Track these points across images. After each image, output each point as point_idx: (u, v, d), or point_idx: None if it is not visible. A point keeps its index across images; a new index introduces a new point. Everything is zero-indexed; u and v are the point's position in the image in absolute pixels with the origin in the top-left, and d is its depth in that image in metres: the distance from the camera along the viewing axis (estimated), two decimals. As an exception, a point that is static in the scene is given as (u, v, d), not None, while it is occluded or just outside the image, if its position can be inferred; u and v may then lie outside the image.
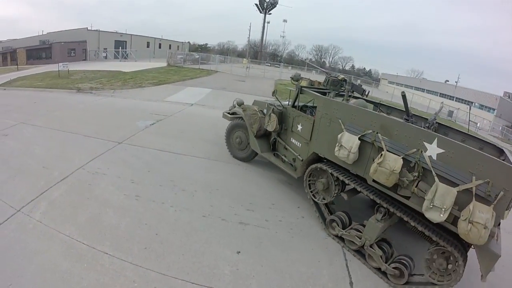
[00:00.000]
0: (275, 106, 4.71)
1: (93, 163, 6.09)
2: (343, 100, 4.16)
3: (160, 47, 60.03)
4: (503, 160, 2.75)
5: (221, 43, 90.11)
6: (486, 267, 2.46)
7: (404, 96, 3.59)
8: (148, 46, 56.25)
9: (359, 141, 3.16)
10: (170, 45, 63.40)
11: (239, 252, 3.78)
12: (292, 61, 72.80)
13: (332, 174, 3.76)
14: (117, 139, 7.47)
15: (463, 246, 2.73)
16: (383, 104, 4.61)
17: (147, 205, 4.69)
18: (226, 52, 73.03)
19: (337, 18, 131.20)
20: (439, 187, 2.50)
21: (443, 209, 2.44)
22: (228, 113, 6.11)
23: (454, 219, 2.55)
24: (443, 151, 2.59)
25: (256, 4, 58.23)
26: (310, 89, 4.35)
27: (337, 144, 3.37)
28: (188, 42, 75.93)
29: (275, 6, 57.76)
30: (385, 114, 3.72)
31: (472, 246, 2.65)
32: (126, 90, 14.50)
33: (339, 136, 3.39)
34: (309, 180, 4.20)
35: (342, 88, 4.51)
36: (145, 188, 5.20)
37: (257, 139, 5.15)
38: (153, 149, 7.04)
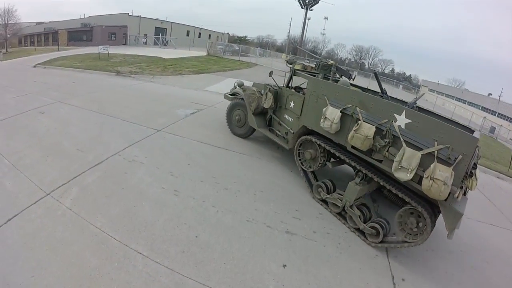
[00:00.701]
0: (271, 86, 5.58)
1: (130, 150, 6.12)
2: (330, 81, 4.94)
3: (199, 36, 63.01)
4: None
5: (261, 37, 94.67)
6: (451, 224, 3.03)
7: (376, 75, 4.94)
8: (187, 35, 59.26)
9: (341, 114, 3.89)
10: (209, 35, 66.67)
11: (285, 265, 3.61)
12: (331, 59, 76.53)
13: (319, 145, 4.57)
14: (156, 127, 7.51)
15: (431, 207, 3.34)
16: (370, 90, 5.41)
17: (187, 202, 4.55)
18: (265, 45, 79.70)
19: (379, 18, 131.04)
20: (406, 151, 3.14)
21: (409, 170, 3.08)
22: (230, 94, 7.12)
23: (419, 179, 3.13)
24: (410, 121, 3.25)
25: None
26: (302, 72, 5.22)
27: (322, 117, 4.11)
28: (228, 33, 79.35)
29: (317, 2, 58.80)
30: (362, 92, 4.22)
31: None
32: (165, 76, 15.03)
33: (324, 109, 4.13)
34: (298, 150, 5.08)
35: (335, 72, 5.29)
36: (184, 182, 5.10)
37: (255, 116, 6.07)
38: (193, 140, 6.98)
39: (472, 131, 3.76)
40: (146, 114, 8.42)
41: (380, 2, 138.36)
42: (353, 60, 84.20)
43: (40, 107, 9.21)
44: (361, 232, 4.05)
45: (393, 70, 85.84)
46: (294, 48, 75.88)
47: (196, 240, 3.75)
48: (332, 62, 5.35)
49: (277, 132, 5.79)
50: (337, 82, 4.90)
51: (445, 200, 3.01)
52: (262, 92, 5.82)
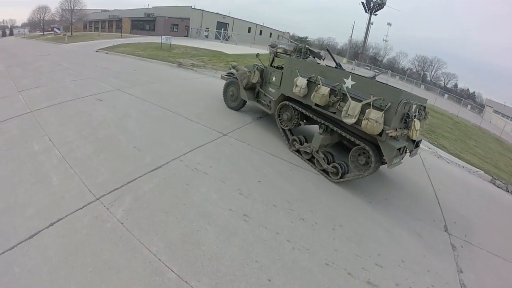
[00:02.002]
0: (258, 65, 7.51)
1: (193, 155, 5.97)
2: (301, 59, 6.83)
3: (260, 34, 67.98)
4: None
5: (321, 38, 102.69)
6: (388, 156, 4.62)
7: (329, 51, 7.27)
8: (249, 32, 64.19)
9: (307, 81, 5.65)
10: (270, 33, 71.72)
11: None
12: (392, 68, 78.08)
13: (293, 107, 6.39)
14: (222, 129, 7.38)
15: (375, 147, 4.91)
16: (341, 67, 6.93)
17: (258, 232, 4.20)
18: (325, 48, 77.31)
19: (446, 28, 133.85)
20: (351, 103, 4.82)
21: (353, 116, 4.72)
22: (226, 74, 9.05)
23: (361, 122, 4.70)
24: (354, 82, 4.94)
25: (363, 3, 62.56)
26: (282, 54, 7.17)
27: (294, 85, 5.87)
28: (288, 33, 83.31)
29: (382, 7, 61.73)
30: (322, 65, 6.00)
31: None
32: None
33: (295, 79, 5.88)
34: (279, 113, 6.86)
35: (307, 54, 7.16)
36: (255, 205, 4.76)
37: (246, 90, 7.85)
38: (263, 151, 6.64)
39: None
40: (209, 113, 8.40)
41: (448, 12, 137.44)
42: (414, 70, 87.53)
43: (98, 94, 9.54)
44: (325, 172, 5.80)
45: (456, 85, 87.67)
46: (355, 52, 79.01)
47: (269, 286, 3.37)
48: (306, 46, 7.34)
49: (263, 102, 7.65)
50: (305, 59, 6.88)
51: (380, 136, 4.54)
52: (251, 71, 7.72)
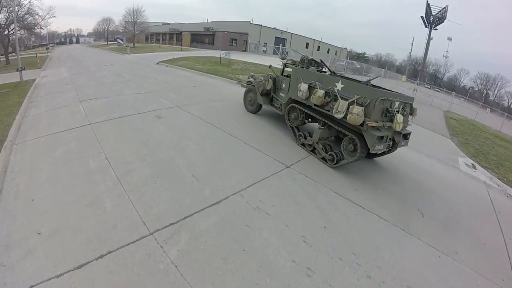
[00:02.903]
0: (271, 75, 9.33)
1: (255, 189, 5.84)
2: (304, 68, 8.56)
3: (318, 50, 70.62)
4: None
5: (379, 54, 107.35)
6: (370, 141, 6.03)
7: (322, 61, 9.26)
8: (306, 47, 67.13)
9: (308, 86, 7.26)
10: (328, 49, 74.38)
11: None
12: (452, 87, 79.54)
13: (298, 108, 8.04)
14: (285, 160, 7.25)
15: (362, 136, 6.31)
16: (336, 73, 8.97)
17: None
18: (384, 64, 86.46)
19: (510, 44, 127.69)
20: (340, 102, 6.26)
21: (342, 112, 6.16)
22: (245, 83, 10.91)
23: (347, 117, 6.16)
24: (344, 85, 6.49)
25: (422, 17, 63.95)
26: (290, 64, 9.06)
27: (298, 90, 7.51)
28: (346, 48, 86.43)
29: (442, 22, 62.24)
30: (319, 73, 7.93)
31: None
32: None
33: (299, 85, 7.56)
34: (288, 114, 8.54)
35: (311, 64, 8.98)
36: (320, 256, 4.48)
37: (262, 96, 9.57)
38: (329, 189, 6.35)
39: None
40: (272, 140, 8.41)
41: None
42: (476, 89, 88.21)
43: (158, 110, 9.84)
44: (324, 159, 7.28)
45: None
46: (415, 70, 79.92)
47: None
48: (311, 57, 9.12)
49: (275, 105, 9.23)
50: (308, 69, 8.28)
51: (362, 126, 6.05)
52: (266, 79, 9.31)
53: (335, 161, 7.09)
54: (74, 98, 12.05)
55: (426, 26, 63.98)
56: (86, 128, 8.32)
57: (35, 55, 33.47)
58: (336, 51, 75.59)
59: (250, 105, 10.66)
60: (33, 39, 63.26)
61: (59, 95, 12.86)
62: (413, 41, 71.61)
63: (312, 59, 9.12)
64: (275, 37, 59.58)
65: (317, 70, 8.53)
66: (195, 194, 5.41)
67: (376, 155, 7.91)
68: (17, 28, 34.05)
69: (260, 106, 10.20)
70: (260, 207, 5.36)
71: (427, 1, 63.28)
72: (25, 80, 17.17)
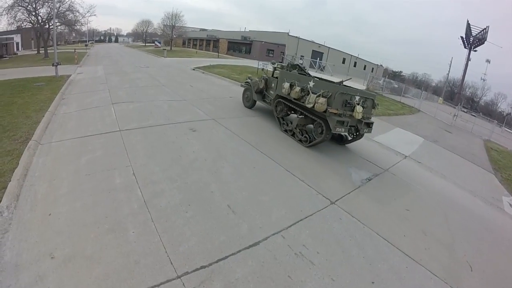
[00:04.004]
0: (264, 76, 11.47)
1: (297, 230, 5.27)
2: (287, 71, 10.78)
3: (355, 66, 71.62)
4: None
5: (415, 73, 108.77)
6: (332, 125, 7.87)
7: (299, 66, 11.62)
8: (343, 62, 67.66)
9: (289, 84, 9.10)
10: (365, 65, 75.67)
11: None
12: (489, 111, 77.74)
13: (283, 103, 9.93)
14: (329, 194, 6.69)
15: (326, 122, 8.13)
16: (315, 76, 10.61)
17: None
18: (420, 84, 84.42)
19: None
20: (311, 96, 8.25)
21: (312, 103, 8.12)
22: (244, 83, 13.15)
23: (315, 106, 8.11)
24: (314, 83, 8.63)
25: (462, 37, 63.72)
26: (278, 68, 11.10)
27: (283, 88, 9.34)
28: (381, 65, 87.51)
29: (482, 43, 61.94)
30: (298, 74, 10.06)
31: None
32: None
33: (283, 84, 9.39)
34: (275, 107, 10.39)
35: (295, 68, 11.21)
36: None
37: (256, 94, 11.70)
38: (376, 233, 5.80)
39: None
40: (313, 166, 7.97)
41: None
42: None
43: (192, 122, 9.49)
44: (300, 141, 9.23)
45: (559, 133, 75.53)
46: (451, 92, 78.96)
47: None
48: (295, 62, 12.45)
49: (267, 101, 11.32)
50: (290, 71, 10.63)
51: (325, 112, 7.88)
52: (260, 80, 11.41)
53: (308, 141, 9.07)
54: (106, 99, 11.91)
55: (465, 47, 64.20)
56: (115, 134, 7.99)
57: (74, 50, 34.48)
58: (373, 68, 76.07)
59: (247, 101, 12.89)
60: (73, 35, 65.98)
61: (92, 95, 12.79)
62: (451, 62, 69.80)
63: (296, 64, 11.64)
64: (312, 50, 60.21)
65: (299, 73, 10.63)
66: (230, 230, 4.82)
67: (346, 141, 10.34)
68: (58, 24, 35.60)
69: (255, 102, 12.52)
70: (303, 253, 4.72)
71: (467, 21, 62.49)
72: (60, 75, 17.38)
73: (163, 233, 4.48)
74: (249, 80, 12.70)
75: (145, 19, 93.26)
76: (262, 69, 14.72)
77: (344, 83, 9.96)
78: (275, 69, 11.31)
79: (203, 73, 22.82)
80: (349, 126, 8.41)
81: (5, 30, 41.31)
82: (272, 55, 54.26)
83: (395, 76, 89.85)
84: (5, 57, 40.65)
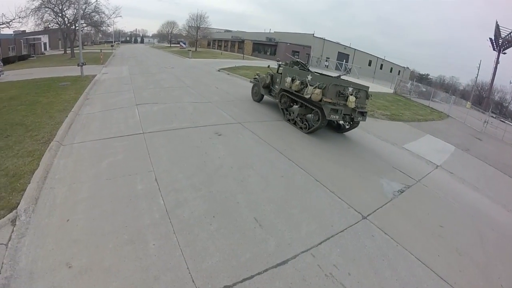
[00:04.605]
0: (270, 73, 12.88)
1: (328, 248, 4.95)
2: (289, 67, 12.07)
3: (381, 68, 70.32)
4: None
5: (442, 76, 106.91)
6: (326, 112, 9.03)
7: (298, 61, 13.02)
8: (369, 65, 66.59)
9: (291, 79, 10.55)
10: (391, 68, 74.11)
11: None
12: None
13: (286, 95, 11.30)
14: (360, 207, 6.36)
15: (322, 111, 9.36)
16: (312, 71, 11.71)
17: None
18: (447, 88, 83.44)
19: None
20: (309, 88, 9.58)
21: (309, 94, 9.50)
22: (253, 79, 14.58)
23: (312, 96, 9.55)
24: (312, 77, 9.96)
25: (491, 39, 62.39)
26: (282, 65, 12.33)
27: (285, 82, 10.80)
28: (408, 68, 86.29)
29: (511, 45, 60.57)
30: (299, 70, 11.47)
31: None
32: None
33: (285, 78, 10.90)
34: (280, 99, 11.67)
35: (298, 65, 12.42)
36: None
37: (263, 88, 13.16)
38: (411, 254, 5.35)
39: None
40: (343, 175, 7.66)
41: None
42: None
43: (217, 126, 9.32)
44: (301, 128, 10.36)
45: None
46: (479, 96, 76.91)
47: None
48: (297, 60, 13.07)
49: (272, 95, 12.72)
50: (292, 67, 11.92)
51: (321, 102, 9.13)
52: (266, 76, 12.89)
53: (307, 128, 10.20)
54: (130, 100, 11.90)
55: (494, 49, 62.65)
56: (138, 137, 7.87)
57: (100, 50, 35.19)
58: (399, 71, 74.00)
59: (255, 95, 14.25)
60: (100, 35, 67.71)
61: (116, 95, 12.83)
62: (479, 64, 67.16)
63: (297, 61, 12.87)
64: (338, 52, 59.44)
65: (300, 68, 11.89)
66: (257, 246, 4.53)
67: (344, 130, 11.35)
68: (84, 25, 36.56)
69: (262, 96, 13.86)
70: (334, 274, 4.38)
71: (496, 22, 60.88)
72: (86, 75, 17.63)
73: (185, 247, 4.24)
74: (257, 77, 14.15)
75: (170, 20, 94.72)
76: (268, 66, 15.06)
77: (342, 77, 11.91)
78: (279, 66, 12.58)
79: (228, 74, 22.74)
80: (344, 114, 9.39)
81: (33, 31, 42.75)
82: (297, 57, 54.21)
83: (422, 79, 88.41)
84: (33, 56, 42.14)
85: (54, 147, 6.83)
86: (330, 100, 8.98)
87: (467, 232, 6.87)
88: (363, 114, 9.89)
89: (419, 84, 41.88)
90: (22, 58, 38.29)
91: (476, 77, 71.54)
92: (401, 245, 5.48)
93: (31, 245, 4.02)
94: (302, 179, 6.96)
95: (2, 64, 21.37)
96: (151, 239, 4.31)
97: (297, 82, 10.17)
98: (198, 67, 28.19)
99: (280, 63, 12.86)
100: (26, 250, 3.93)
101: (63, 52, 44.25)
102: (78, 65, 17.79)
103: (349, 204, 6.34)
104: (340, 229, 5.47)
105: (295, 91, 10.30)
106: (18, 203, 4.75)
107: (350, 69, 48.21)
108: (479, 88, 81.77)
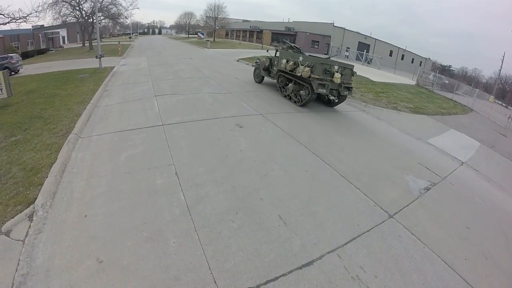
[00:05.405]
0: (268, 56, 14.92)
1: (354, 248, 4.76)
2: (286, 50, 13.91)
3: (402, 59, 68.97)
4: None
5: (465, 68, 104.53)
6: (314, 86, 10.80)
7: (289, 44, 14.94)
8: (390, 55, 65.56)
9: (286, 61, 12.44)
10: (413, 58, 72.96)
11: None
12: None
13: (282, 75, 13.37)
14: (387, 205, 6.14)
15: (311, 86, 11.10)
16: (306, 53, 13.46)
17: None
18: (470, 80, 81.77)
19: None
20: (300, 67, 11.36)
21: (300, 72, 11.19)
22: (255, 63, 16.86)
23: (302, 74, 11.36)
24: (302, 58, 11.54)
25: None
26: (279, 49, 14.18)
27: (281, 63, 12.78)
28: (429, 59, 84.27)
29: None
30: (293, 53, 13.04)
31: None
32: (379, 108, 15.19)
33: (281, 60, 12.91)
34: (278, 79, 13.73)
35: (293, 48, 14.03)
36: None
37: (263, 71, 15.03)
38: (438, 257, 5.08)
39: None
40: (369, 171, 7.41)
41: None
42: None
43: (238, 117, 9.17)
44: (295, 102, 12.26)
45: None
46: (503, 89, 75.70)
47: None
48: (291, 44, 14.39)
49: (271, 76, 14.36)
50: (287, 51, 13.53)
51: (310, 78, 10.81)
52: (266, 59, 14.72)
53: (300, 101, 11.82)
54: (149, 91, 11.86)
55: None
56: (157, 129, 7.77)
57: (118, 42, 35.52)
58: (421, 62, 72.89)
59: (257, 77, 16.07)
60: (118, 28, 68.49)
61: (135, 86, 12.82)
62: (503, 57, 64.43)
63: (292, 45, 14.25)
64: (359, 42, 58.66)
65: (293, 51, 13.24)
66: (281, 245, 4.34)
67: (333, 104, 12.95)
68: (102, 17, 36.92)
69: (263, 78, 15.64)
70: (360, 277, 4.17)
71: None
72: (104, 67, 17.75)
73: (206, 245, 4.08)
74: (258, 61, 16.29)
75: (187, 11, 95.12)
76: (267, 50, 17.73)
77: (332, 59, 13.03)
78: (277, 50, 14.18)
79: (248, 64, 22.55)
80: (331, 89, 11.01)
81: (51, 25, 43.53)
82: (317, 47, 53.54)
83: (444, 70, 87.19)
84: (51, 50, 42.95)
85: (72, 140, 6.80)
86: (317, 77, 10.63)
87: (493, 234, 6.63)
88: (349, 89, 11.48)
89: (442, 76, 40.74)
90: (41, 52, 39.17)
91: (500, 70, 68.86)
92: (428, 246, 5.25)
93: (48, 242, 3.97)
94: (327, 174, 6.72)
95: (20, 58, 21.75)
96: (171, 236, 4.18)
97: (291, 62, 11.77)
98: (217, 57, 28.06)
99: (278, 48, 14.54)
100: (43, 247, 3.88)
101: (81, 45, 44.96)
102: (96, 57, 17.93)
103: (375, 202, 6.09)
104: (367, 229, 5.25)
105: (289, 70, 11.86)
106: (36, 198, 4.72)
107: (371, 60, 47.43)
108: (502, 81, 79.86)
